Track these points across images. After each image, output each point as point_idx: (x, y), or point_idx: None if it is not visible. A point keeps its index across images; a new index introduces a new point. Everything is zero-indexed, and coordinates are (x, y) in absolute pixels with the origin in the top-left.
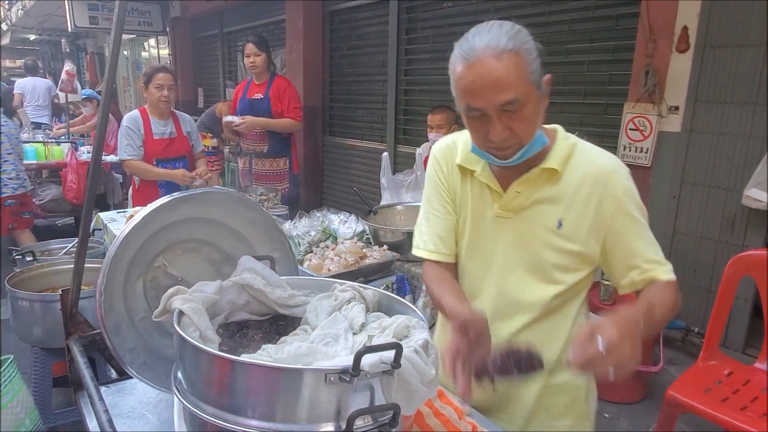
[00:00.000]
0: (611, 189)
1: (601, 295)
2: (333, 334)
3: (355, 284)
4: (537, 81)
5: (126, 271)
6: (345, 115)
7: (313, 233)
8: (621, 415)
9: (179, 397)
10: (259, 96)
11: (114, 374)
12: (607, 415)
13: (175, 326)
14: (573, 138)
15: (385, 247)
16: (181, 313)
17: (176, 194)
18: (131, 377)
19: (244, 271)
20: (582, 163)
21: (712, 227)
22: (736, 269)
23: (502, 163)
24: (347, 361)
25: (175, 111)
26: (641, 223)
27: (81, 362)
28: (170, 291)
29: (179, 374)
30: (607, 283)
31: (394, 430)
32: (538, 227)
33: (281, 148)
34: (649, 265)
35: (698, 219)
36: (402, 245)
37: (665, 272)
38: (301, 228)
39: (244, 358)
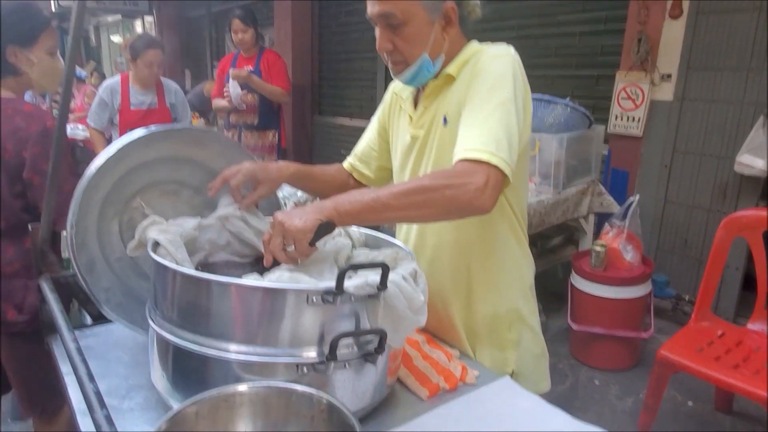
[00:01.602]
0: (473, 69)
1: (592, 262)
2: (317, 266)
3: None
4: (430, 5)
5: (100, 207)
6: (334, 93)
7: (300, 194)
8: (611, 381)
9: (154, 326)
10: (249, 68)
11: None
12: (597, 382)
13: (150, 252)
14: (481, 46)
15: None
16: (156, 244)
17: (153, 128)
18: (106, 322)
19: (225, 207)
20: (475, 61)
21: (704, 196)
22: (728, 230)
23: (396, 77)
24: (331, 283)
25: (163, 79)
26: (481, 105)
27: (52, 300)
28: (145, 222)
29: (155, 304)
30: (598, 249)
31: (380, 357)
32: (437, 134)
33: (270, 121)
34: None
35: (690, 188)
36: None
37: (462, 151)
38: (287, 189)
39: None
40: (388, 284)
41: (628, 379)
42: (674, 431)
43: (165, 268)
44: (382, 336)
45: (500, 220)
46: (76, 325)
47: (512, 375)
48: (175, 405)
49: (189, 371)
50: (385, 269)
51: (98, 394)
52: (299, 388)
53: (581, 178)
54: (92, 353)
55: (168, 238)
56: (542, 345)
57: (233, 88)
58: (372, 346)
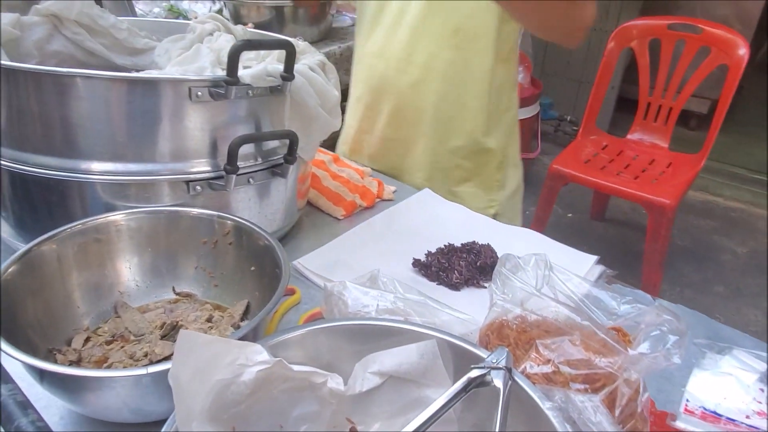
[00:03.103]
0: None
1: None
2: (195, 68)
3: (219, 16)
4: None
5: None
6: None
7: (156, 10)
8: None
9: None
10: None
11: None
12: None
13: None
14: None
15: (250, 25)
16: None
17: None
18: None
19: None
20: None
21: None
22: (619, 41)
23: None
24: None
25: None
26: None
27: None
28: None
29: None
30: None
31: (291, 169)
32: None
33: None
34: None
35: None
36: (270, 24)
37: None
38: (141, 4)
39: None
40: (294, 74)
41: None
42: (558, 238)
43: None
44: (293, 139)
45: (507, 43)
46: None
47: (495, 217)
48: None
49: (40, 206)
50: (291, 50)
51: None
52: (194, 210)
53: None
54: None
55: None
56: (520, 177)
57: None
58: (279, 158)
